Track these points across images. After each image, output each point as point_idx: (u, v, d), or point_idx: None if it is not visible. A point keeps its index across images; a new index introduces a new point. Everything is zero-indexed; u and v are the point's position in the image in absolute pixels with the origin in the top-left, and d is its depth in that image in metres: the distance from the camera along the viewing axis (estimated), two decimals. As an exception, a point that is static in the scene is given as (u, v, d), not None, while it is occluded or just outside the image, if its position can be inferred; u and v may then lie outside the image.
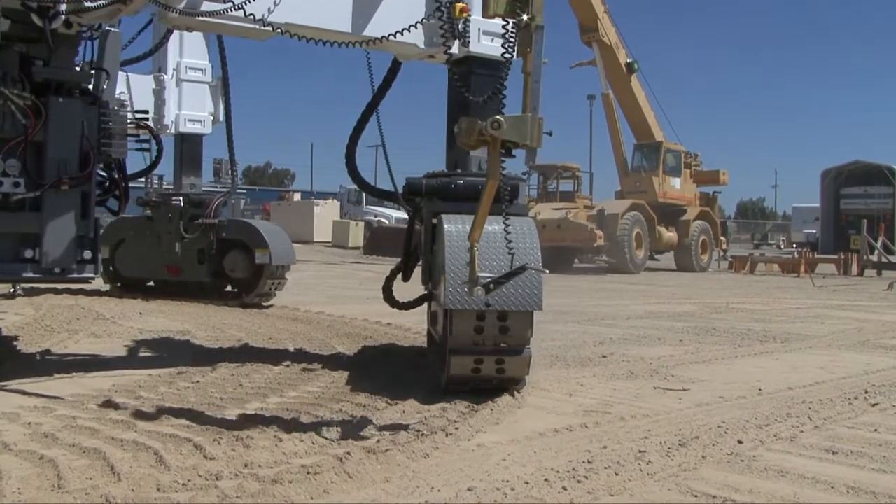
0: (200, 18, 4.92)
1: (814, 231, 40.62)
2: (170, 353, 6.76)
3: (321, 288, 14.18)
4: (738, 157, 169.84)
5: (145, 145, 6.76)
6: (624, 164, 25.55)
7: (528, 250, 4.76)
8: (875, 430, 4.48)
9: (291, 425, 4.26)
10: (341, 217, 36.30)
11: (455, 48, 5.51)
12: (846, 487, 3.48)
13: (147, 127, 6.98)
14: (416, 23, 5.18)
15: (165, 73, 10.86)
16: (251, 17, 4.76)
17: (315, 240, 32.42)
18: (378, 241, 28.39)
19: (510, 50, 3.93)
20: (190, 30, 6.07)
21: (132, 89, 10.32)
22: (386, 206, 36.27)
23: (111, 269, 11.21)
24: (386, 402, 4.80)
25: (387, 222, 35.12)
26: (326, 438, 4.01)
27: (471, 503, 3.20)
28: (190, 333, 7.80)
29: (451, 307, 4.67)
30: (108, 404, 4.68)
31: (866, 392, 5.52)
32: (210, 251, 10.31)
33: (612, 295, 14.70)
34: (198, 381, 5.47)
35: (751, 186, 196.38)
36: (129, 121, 5.92)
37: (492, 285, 4.06)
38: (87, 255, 5.46)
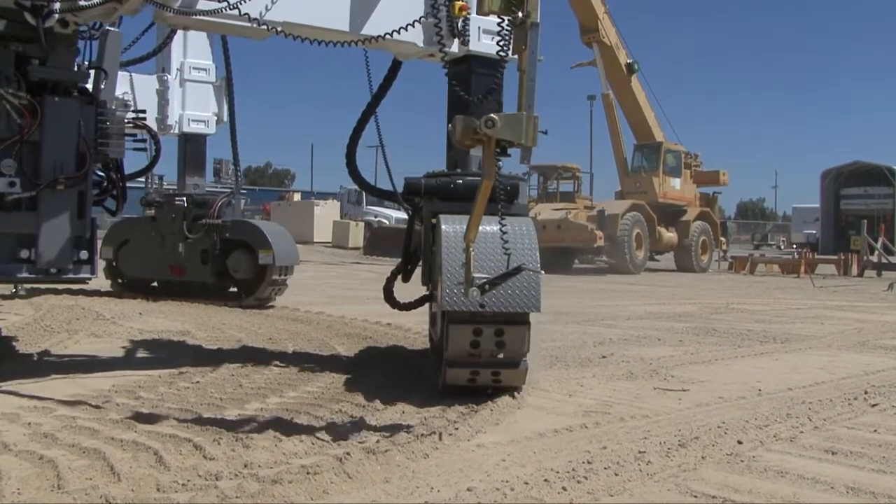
0: (196, 17, 4.91)
1: (814, 231, 40.63)
2: (170, 353, 6.76)
3: (321, 288, 14.18)
4: (738, 158, 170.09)
5: (142, 145, 6.75)
6: (624, 165, 25.56)
7: (527, 251, 4.70)
8: (875, 431, 4.48)
9: (291, 426, 4.26)
10: (341, 217, 36.30)
11: (454, 47, 5.49)
12: (846, 488, 3.48)
13: (145, 126, 6.97)
14: (415, 21, 5.15)
15: (169, 74, 10.83)
16: (246, 16, 4.73)
17: (315, 240, 32.41)
18: (378, 241, 28.39)
19: (505, 48, 3.90)
20: (186, 29, 6.07)
21: (136, 89, 10.31)
22: (386, 207, 36.28)
23: (115, 269, 11.21)
24: (386, 403, 4.79)
25: (387, 223, 35.11)
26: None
27: (470, 503, 3.20)
28: (190, 334, 7.80)
29: (448, 308, 4.62)
30: (108, 404, 4.69)
31: (866, 392, 5.52)
32: (213, 252, 10.31)
33: (612, 295, 14.70)
34: (198, 382, 5.46)
35: (751, 187, 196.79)
36: (126, 120, 5.90)
37: (487, 286, 4.03)
38: (84, 255, 5.44)
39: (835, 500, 3.37)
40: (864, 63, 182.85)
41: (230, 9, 4.77)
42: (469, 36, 5.44)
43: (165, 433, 4.03)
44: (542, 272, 4.59)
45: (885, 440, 4.28)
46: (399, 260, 6.22)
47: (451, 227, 4.84)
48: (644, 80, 25.24)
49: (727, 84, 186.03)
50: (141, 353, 6.80)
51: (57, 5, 4.99)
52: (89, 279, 5.69)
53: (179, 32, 10.17)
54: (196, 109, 10.99)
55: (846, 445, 4.15)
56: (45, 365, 6.10)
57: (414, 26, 5.09)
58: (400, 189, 5.91)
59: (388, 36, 5.04)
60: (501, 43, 3.90)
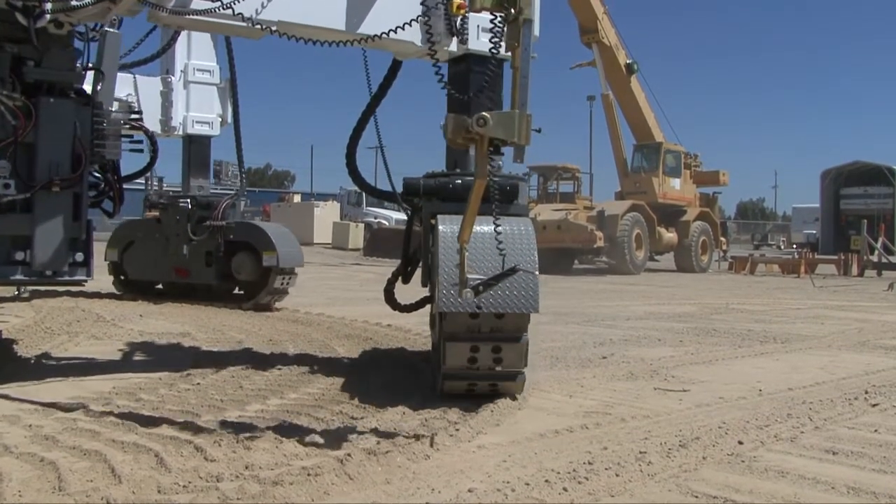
0: (190, 17, 4.89)
1: (814, 231, 40.59)
2: (170, 355, 6.76)
3: (321, 289, 14.18)
4: (738, 158, 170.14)
5: (139, 146, 6.73)
6: (624, 165, 25.56)
7: (524, 251, 4.66)
8: (875, 431, 4.48)
9: (292, 427, 4.26)
10: (341, 218, 36.29)
11: (453, 45, 5.47)
12: (846, 488, 3.48)
13: (142, 128, 6.96)
14: (413, 20, 5.11)
15: (173, 75, 10.80)
16: (240, 16, 4.69)
17: (315, 241, 32.39)
18: (378, 242, 28.38)
19: (498, 45, 3.85)
20: (181, 28, 6.06)
21: (140, 91, 10.29)
22: (386, 208, 36.27)
23: (120, 271, 11.20)
24: (386, 404, 4.79)
25: (387, 224, 35.10)
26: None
27: (471, 504, 3.21)
28: (190, 335, 7.80)
29: (444, 310, 4.58)
30: (109, 406, 4.69)
31: (866, 392, 5.52)
32: (218, 253, 10.29)
33: (613, 296, 14.70)
34: (198, 383, 5.46)
35: (751, 187, 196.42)
36: (122, 121, 5.88)
37: (481, 287, 3.99)
38: (80, 257, 5.41)
39: (835, 500, 3.37)
40: (864, 63, 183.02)
41: (224, 8, 4.72)
42: (468, 34, 5.40)
43: (166, 435, 4.03)
44: (536, 273, 4.52)
45: (886, 440, 4.28)
46: (399, 261, 6.21)
47: (448, 227, 4.78)
48: (644, 80, 25.27)
49: (727, 84, 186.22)
50: (141, 355, 6.80)
51: (48, 5, 4.95)
52: (85, 281, 5.66)
53: (183, 34, 10.16)
54: (200, 111, 10.96)
55: (847, 445, 4.15)
56: (45, 367, 6.10)
57: (411, 25, 5.05)
58: (399, 190, 5.89)
59: (385, 35, 5.00)
60: (494, 40, 3.84)
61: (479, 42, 5.46)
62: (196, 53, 10.94)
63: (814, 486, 3.51)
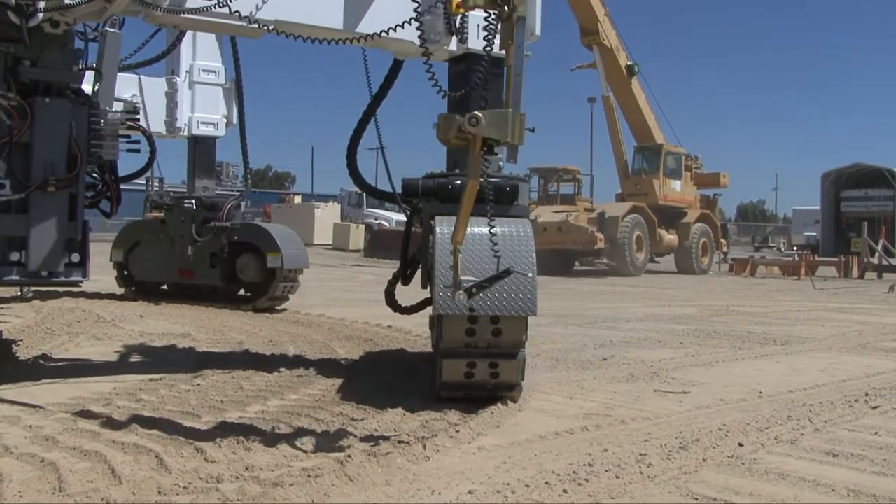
0: (186, 16, 4.87)
1: (814, 233, 40.54)
2: (171, 355, 6.76)
3: (322, 291, 14.17)
4: (738, 159, 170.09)
5: (136, 146, 6.71)
6: (624, 167, 25.55)
7: (522, 253, 4.62)
8: (876, 433, 4.48)
9: (292, 428, 4.26)
10: (342, 220, 36.30)
11: (453, 45, 5.44)
12: (847, 490, 3.48)
13: (139, 128, 6.94)
14: (411, 18, 5.08)
15: (178, 76, 10.78)
16: (237, 14, 4.64)
17: (315, 242, 32.40)
18: (379, 243, 28.37)
19: (491, 43, 3.82)
20: (177, 28, 6.03)
21: (144, 92, 10.29)
22: (387, 209, 36.28)
23: (125, 272, 11.19)
24: (386, 406, 4.79)
25: (387, 225, 35.10)
26: None
27: (471, 506, 3.21)
28: (191, 336, 7.80)
29: (441, 312, 4.55)
30: (109, 407, 4.69)
31: (867, 395, 5.52)
32: (222, 255, 10.28)
33: (613, 298, 14.69)
34: (198, 384, 5.46)
35: (751, 189, 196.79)
36: (119, 121, 5.86)
37: (474, 289, 3.95)
38: (76, 258, 5.40)
39: (836, 502, 3.37)
40: (864, 63, 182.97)
41: (220, 6, 4.68)
42: (468, 33, 5.37)
43: (167, 436, 4.03)
44: (530, 275, 4.47)
45: (886, 442, 4.28)
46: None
47: (445, 228, 4.72)
48: (644, 82, 25.26)
49: (727, 84, 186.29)
50: (142, 356, 6.80)
51: (42, 4, 4.92)
52: (81, 282, 5.63)
53: (188, 34, 10.14)
54: (205, 112, 10.93)
55: (847, 448, 4.15)
56: (46, 367, 6.10)
57: (411, 24, 5.02)
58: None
59: (385, 34, 4.98)
60: (488, 38, 3.81)
61: (480, 41, 5.44)
62: (201, 54, 10.90)
63: (814, 488, 3.50)
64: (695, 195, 26.53)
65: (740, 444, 4.15)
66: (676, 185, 25.37)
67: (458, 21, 5.22)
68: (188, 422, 4.37)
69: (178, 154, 10.92)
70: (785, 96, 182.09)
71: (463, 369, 4.73)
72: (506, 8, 3.77)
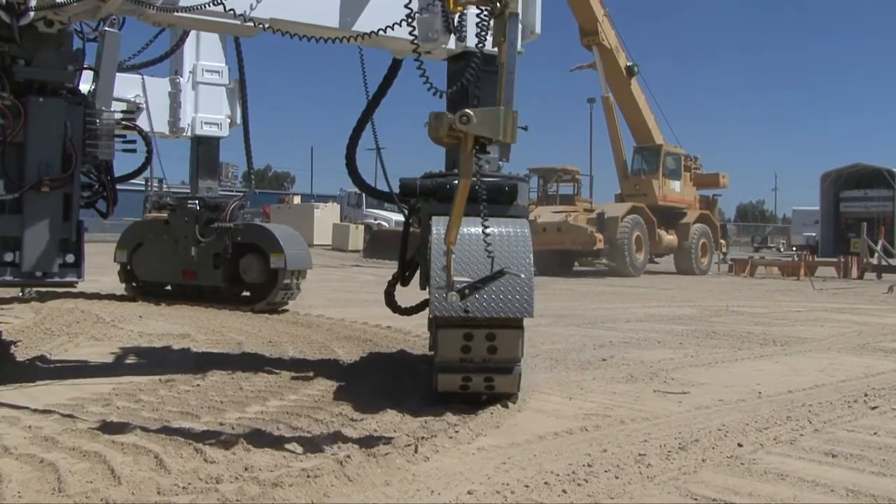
0: (180, 14, 4.85)
1: (814, 234, 40.58)
2: (170, 356, 6.76)
3: (321, 291, 14.17)
4: (738, 159, 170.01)
5: (132, 146, 6.69)
6: (624, 167, 25.55)
7: (518, 254, 4.57)
8: (875, 434, 4.48)
9: (292, 429, 4.26)
10: (341, 220, 36.30)
11: (451, 43, 5.43)
12: (846, 490, 3.48)
13: (136, 127, 6.94)
14: (408, 17, 5.05)
15: (182, 76, 10.76)
16: (231, 12, 4.61)
17: (315, 243, 32.35)
18: (378, 243, 28.37)
19: (483, 39, 3.78)
20: (171, 26, 5.99)
21: (148, 92, 10.27)
22: (386, 209, 36.27)
23: (129, 272, 11.18)
24: (386, 406, 4.79)
25: (387, 225, 35.10)
26: None
27: (471, 506, 3.20)
28: (190, 337, 7.80)
29: (436, 314, 4.49)
30: (109, 407, 4.69)
31: (866, 395, 5.52)
32: (225, 255, 10.27)
33: (612, 298, 14.70)
34: (198, 385, 5.46)
35: (750, 189, 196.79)
36: (115, 121, 5.85)
37: (467, 290, 3.92)
38: (70, 258, 5.38)
39: (835, 502, 3.37)
40: (864, 63, 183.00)
41: (214, 4, 4.66)
42: (465, 32, 5.35)
43: (166, 436, 4.03)
44: (522, 275, 4.42)
45: (885, 443, 4.28)
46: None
47: (441, 228, 4.65)
48: (644, 82, 25.26)
49: (727, 84, 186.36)
50: (141, 357, 6.80)
51: (33, 2, 4.90)
52: (76, 283, 5.62)
53: (192, 34, 10.12)
54: (209, 112, 10.91)
55: (846, 448, 4.15)
56: (45, 368, 6.10)
57: (407, 22, 4.99)
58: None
59: (381, 32, 4.95)
60: (480, 34, 3.78)
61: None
62: (205, 54, 10.89)
63: (813, 488, 3.51)
64: (694, 196, 26.53)
65: (739, 445, 4.15)
66: (676, 185, 25.36)
67: (455, 19, 5.20)
68: (187, 422, 4.37)
69: (181, 154, 10.88)
70: (785, 96, 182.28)
71: (458, 383, 4.72)
72: (498, 4, 3.74)
